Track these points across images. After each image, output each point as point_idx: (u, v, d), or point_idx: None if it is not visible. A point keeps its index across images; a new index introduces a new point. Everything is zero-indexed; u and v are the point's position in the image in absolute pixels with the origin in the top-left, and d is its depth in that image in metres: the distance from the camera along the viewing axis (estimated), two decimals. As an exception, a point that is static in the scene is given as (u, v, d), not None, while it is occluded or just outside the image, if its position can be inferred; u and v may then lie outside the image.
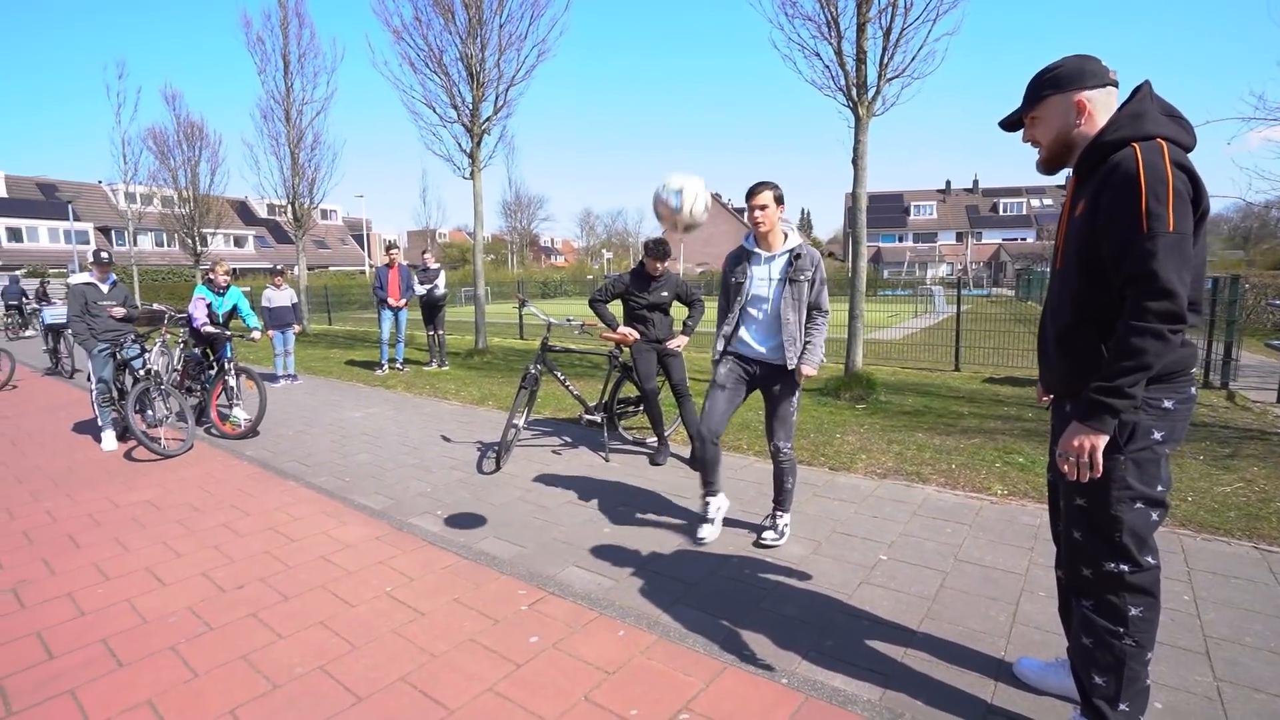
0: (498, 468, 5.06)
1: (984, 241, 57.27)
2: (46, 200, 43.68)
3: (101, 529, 4.11)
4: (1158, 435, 1.80)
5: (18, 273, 24.54)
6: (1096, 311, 1.81)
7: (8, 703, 2.42)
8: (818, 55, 7.44)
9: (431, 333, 10.29)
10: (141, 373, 6.07)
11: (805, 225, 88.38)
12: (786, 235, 3.41)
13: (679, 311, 5.32)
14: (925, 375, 9.18)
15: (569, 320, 5.60)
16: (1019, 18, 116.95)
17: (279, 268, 9.41)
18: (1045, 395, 2.26)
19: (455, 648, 2.71)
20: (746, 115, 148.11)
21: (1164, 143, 1.70)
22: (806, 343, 3.38)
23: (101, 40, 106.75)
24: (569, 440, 5.91)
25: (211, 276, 6.92)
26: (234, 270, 7.21)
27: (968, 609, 2.90)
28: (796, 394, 3.43)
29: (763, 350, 3.42)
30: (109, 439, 6.08)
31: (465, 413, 7.20)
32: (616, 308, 5.41)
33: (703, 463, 3.63)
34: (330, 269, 50.11)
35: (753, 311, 3.42)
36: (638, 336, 5.18)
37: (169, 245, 42.98)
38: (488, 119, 10.70)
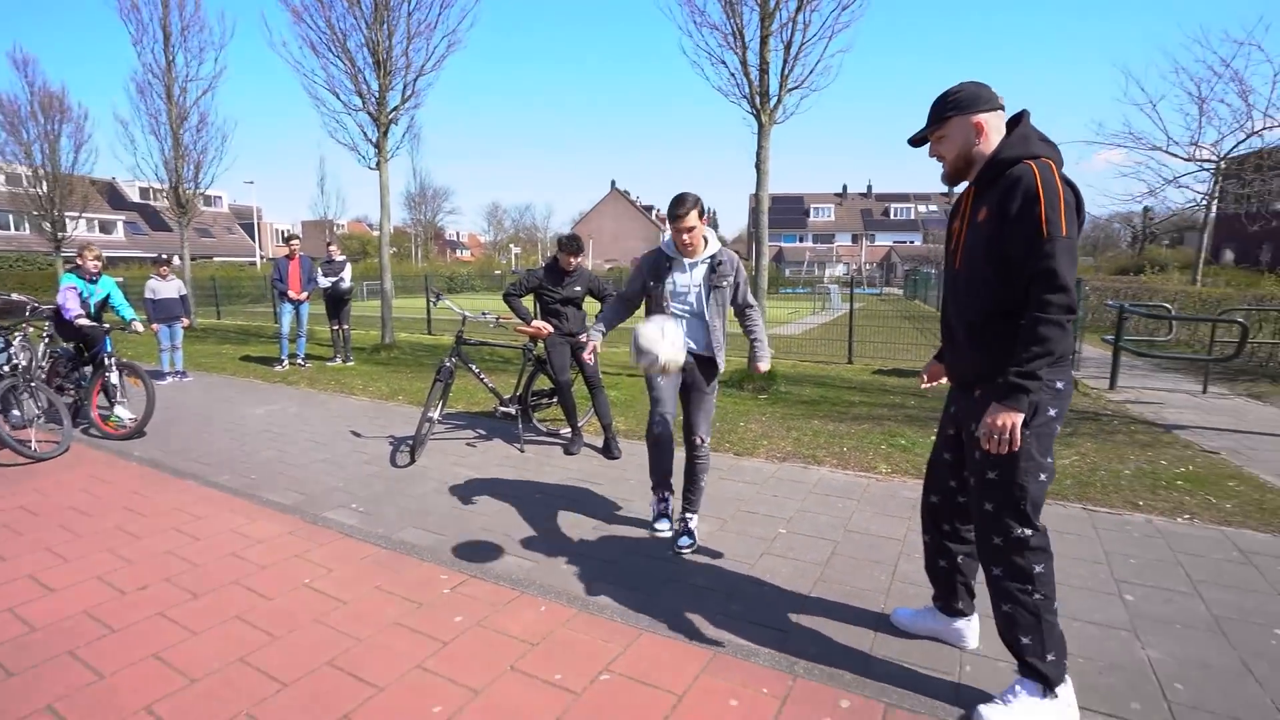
0: (412, 460, 5.06)
1: (876, 243, 60.91)
2: None
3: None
4: (1053, 412, 2.09)
5: None
6: (1008, 306, 2.06)
7: (-115, 716, 2.27)
8: (723, 63, 7.83)
9: (336, 328, 9.92)
10: (5, 369, 5.57)
11: (712, 224, 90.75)
12: (706, 241, 3.41)
13: (591, 306, 5.50)
14: (822, 368, 9.83)
15: (484, 314, 5.66)
16: (909, 32, 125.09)
17: (164, 256, 8.74)
18: (929, 380, 2.61)
19: (380, 631, 2.77)
20: (654, 113, 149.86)
21: (1050, 161, 2.03)
22: (753, 341, 3.61)
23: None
24: (483, 433, 5.96)
25: (80, 263, 6.36)
26: (103, 258, 6.64)
27: (854, 572, 3.27)
28: (715, 385, 3.55)
29: (692, 345, 3.39)
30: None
31: (375, 408, 7.06)
32: (529, 302, 5.53)
33: (657, 450, 3.49)
34: (216, 259, 46.38)
35: (678, 312, 3.42)
36: (552, 330, 5.33)
37: (18, 229, 38.49)
38: (395, 109, 10.41)
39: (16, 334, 6.05)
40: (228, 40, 14.94)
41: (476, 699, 2.34)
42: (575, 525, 3.89)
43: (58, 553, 3.58)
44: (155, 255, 9.17)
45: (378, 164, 10.48)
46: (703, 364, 3.45)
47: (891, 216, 62.70)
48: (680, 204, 3.24)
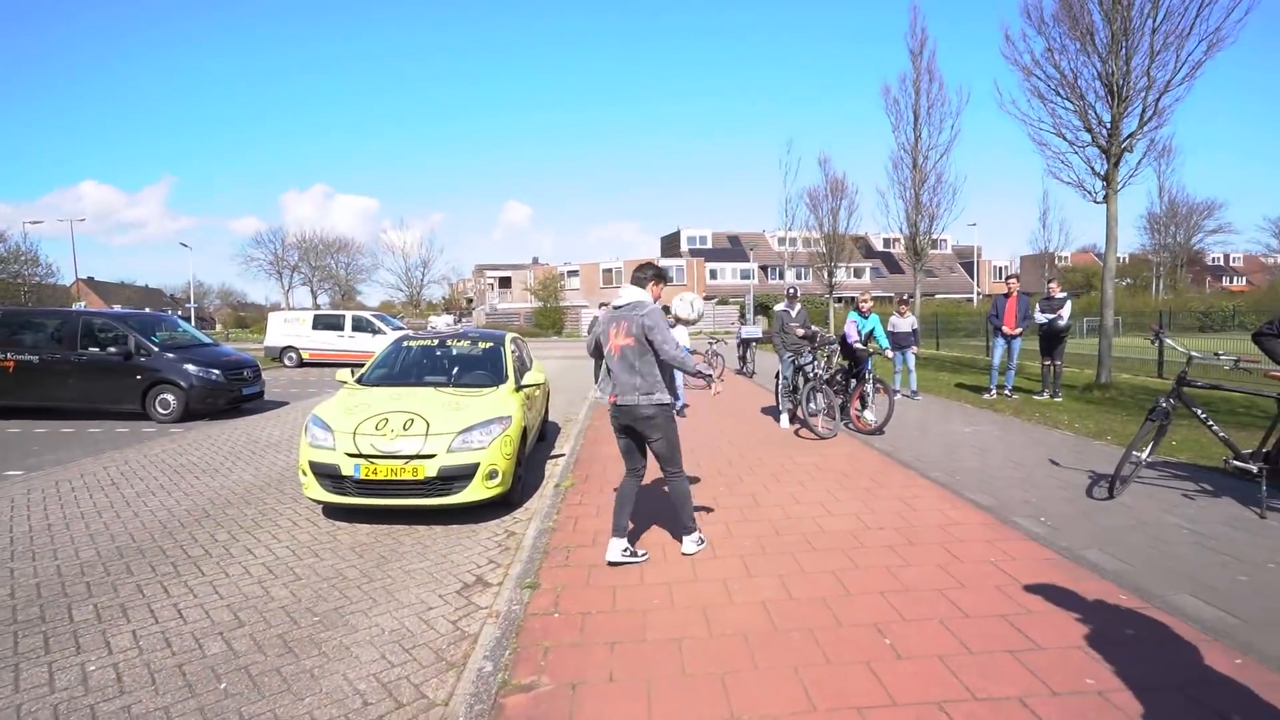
0: (1110, 496, 5.08)
1: None
2: (731, 248, 59.65)
3: (787, 475, 6.18)
4: None
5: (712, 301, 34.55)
6: None
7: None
8: None
9: (1048, 363, 10.15)
10: (812, 375, 8.41)
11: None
12: None
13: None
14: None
15: (1219, 355, 5.05)
16: None
17: (905, 297, 11.06)
18: None
19: (1063, 642, 3.29)
20: None
21: None
22: None
23: (778, 124, 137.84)
24: (1208, 487, 5.30)
25: (860, 306, 8.97)
26: (870, 300, 9.19)
27: None
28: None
29: None
30: (784, 420, 8.66)
31: (1078, 443, 7.11)
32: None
33: None
34: (937, 297, 51.66)
35: None
36: (1324, 378, 4.36)
37: (804, 277, 52.80)
38: (1129, 136, 9.81)
39: (821, 353, 9.06)
40: (963, 108, 17.02)
41: None
42: (1316, 605, 3.29)
43: (834, 495, 5.48)
44: (892, 295, 11.58)
45: (1105, 197, 10.09)
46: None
47: None
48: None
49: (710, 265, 57.17)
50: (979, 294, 55.56)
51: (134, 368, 10.24)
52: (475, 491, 5.10)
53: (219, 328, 64.11)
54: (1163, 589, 3.52)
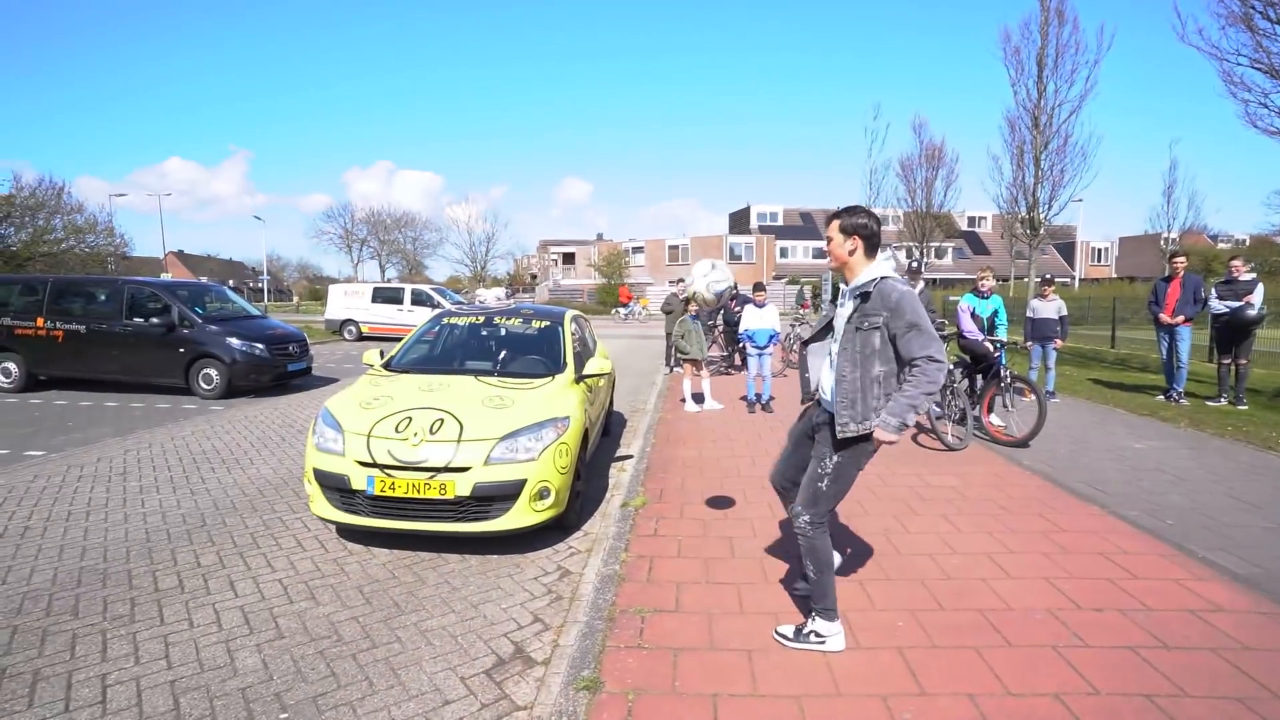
0: None
1: None
2: (804, 225, 56.81)
3: (924, 505, 4.71)
4: None
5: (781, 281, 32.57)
6: None
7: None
8: None
9: (1227, 362, 8.16)
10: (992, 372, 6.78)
11: None
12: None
13: None
14: None
15: None
16: None
17: (1048, 276, 9.14)
18: None
19: None
20: None
21: None
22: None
23: (862, 93, 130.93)
24: None
25: (980, 286, 7.28)
26: (992, 277, 7.43)
27: None
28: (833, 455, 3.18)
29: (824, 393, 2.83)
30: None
31: (1311, 473, 5.34)
32: None
33: None
34: (1026, 280, 47.55)
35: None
36: None
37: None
38: (1363, 70, 7.64)
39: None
40: (1103, 54, 14.54)
41: None
42: None
43: (1002, 542, 4.01)
44: (973, 277, 9.66)
45: (1322, 151, 7.96)
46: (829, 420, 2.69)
47: None
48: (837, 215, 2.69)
49: (780, 243, 54.51)
50: (1077, 278, 51.01)
51: (177, 340, 9.60)
52: (520, 516, 3.91)
53: (295, 299, 66.12)
54: None
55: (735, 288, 12.89)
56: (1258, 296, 7.81)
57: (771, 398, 8.45)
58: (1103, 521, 4.31)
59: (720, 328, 12.76)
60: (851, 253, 2.68)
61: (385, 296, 20.75)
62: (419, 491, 3.80)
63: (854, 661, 2.73)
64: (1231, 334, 8.03)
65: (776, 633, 2.90)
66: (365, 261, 64.16)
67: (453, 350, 5.79)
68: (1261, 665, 2.68)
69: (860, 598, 3.28)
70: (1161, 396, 8.52)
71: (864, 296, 2.63)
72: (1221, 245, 51.12)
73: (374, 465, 3.86)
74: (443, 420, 4.06)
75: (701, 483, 5.30)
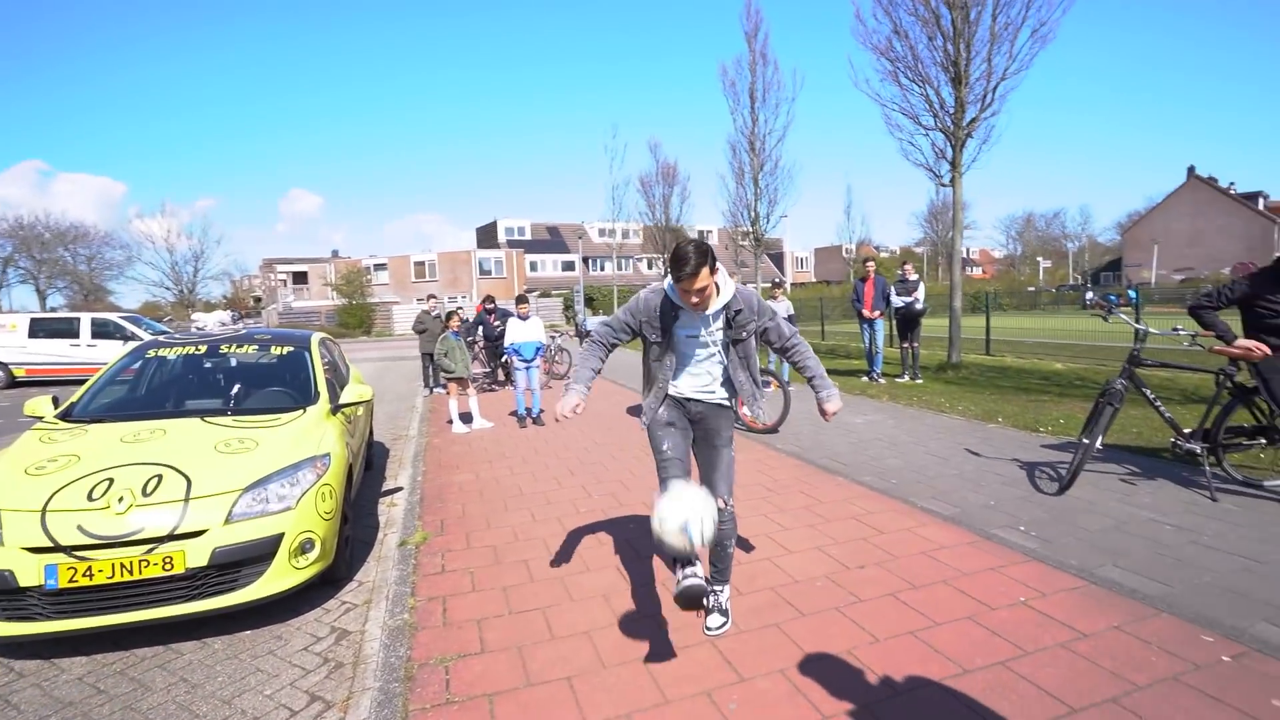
0: (1061, 490, 4.58)
1: None
2: (551, 239, 58.05)
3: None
4: None
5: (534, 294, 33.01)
6: None
7: (737, 621, 3.04)
8: None
9: (905, 345, 10.15)
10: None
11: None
12: (719, 288, 2.80)
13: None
14: None
15: (1176, 329, 4.71)
16: None
17: (778, 280, 10.49)
18: None
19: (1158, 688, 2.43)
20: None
21: None
22: (811, 380, 3.09)
23: (600, 113, 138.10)
24: (1138, 470, 5.03)
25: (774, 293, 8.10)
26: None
27: None
28: (731, 438, 3.02)
29: (700, 395, 3.01)
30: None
31: (974, 428, 6.81)
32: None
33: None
34: (747, 286, 54.38)
35: (697, 358, 2.97)
36: (1268, 351, 4.12)
37: (624, 269, 52.47)
38: (971, 121, 10.08)
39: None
40: (798, 92, 17.29)
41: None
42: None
43: (776, 521, 4.40)
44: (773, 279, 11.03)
45: (951, 179, 10.32)
46: (713, 411, 2.97)
47: None
48: (682, 263, 2.60)
49: (530, 257, 55.03)
50: (788, 283, 59.83)
51: None
52: (279, 578, 3.26)
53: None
54: (1231, 615, 2.85)
55: (492, 300, 12.81)
56: (921, 293, 9.87)
57: (542, 410, 8.38)
58: (848, 489, 4.99)
59: (480, 343, 12.43)
60: (714, 279, 2.73)
61: (51, 330, 16.29)
62: (132, 573, 2.95)
63: (673, 665, 2.73)
64: (906, 323, 10.01)
65: (708, 628, 2.94)
66: (13, 286, 50.36)
67: (165, 388, 4.70)
68: (978, 585, 3.28)
69: (664, 597, 3.33)
70: (865, 378, 10.28)
71: (737, 313, 2.83)
72: (883, 255, 64.09)
73: (56, 549, 2.91)
74: (160, 476, 3.23)
75: (483, 506, 5.01)
